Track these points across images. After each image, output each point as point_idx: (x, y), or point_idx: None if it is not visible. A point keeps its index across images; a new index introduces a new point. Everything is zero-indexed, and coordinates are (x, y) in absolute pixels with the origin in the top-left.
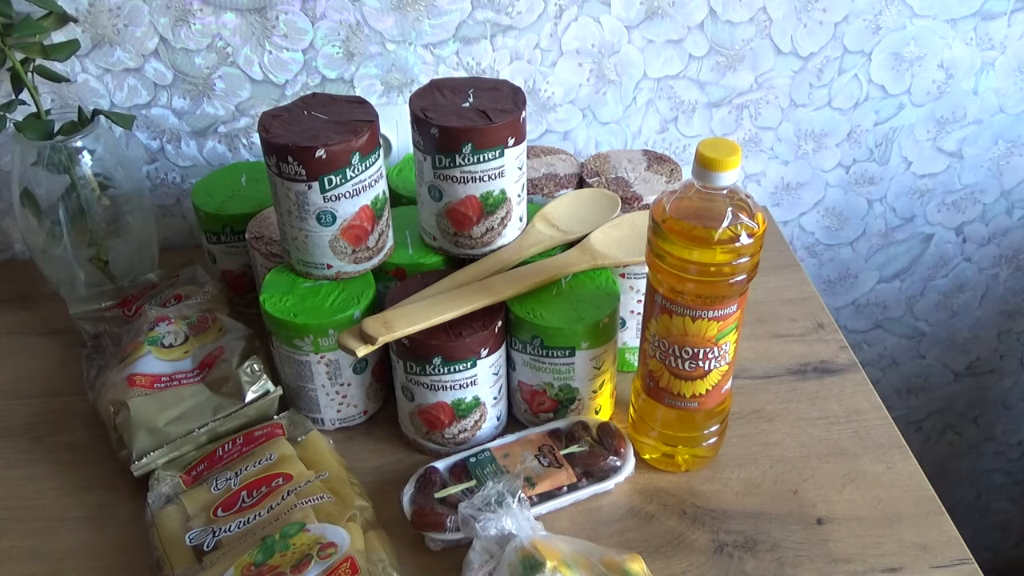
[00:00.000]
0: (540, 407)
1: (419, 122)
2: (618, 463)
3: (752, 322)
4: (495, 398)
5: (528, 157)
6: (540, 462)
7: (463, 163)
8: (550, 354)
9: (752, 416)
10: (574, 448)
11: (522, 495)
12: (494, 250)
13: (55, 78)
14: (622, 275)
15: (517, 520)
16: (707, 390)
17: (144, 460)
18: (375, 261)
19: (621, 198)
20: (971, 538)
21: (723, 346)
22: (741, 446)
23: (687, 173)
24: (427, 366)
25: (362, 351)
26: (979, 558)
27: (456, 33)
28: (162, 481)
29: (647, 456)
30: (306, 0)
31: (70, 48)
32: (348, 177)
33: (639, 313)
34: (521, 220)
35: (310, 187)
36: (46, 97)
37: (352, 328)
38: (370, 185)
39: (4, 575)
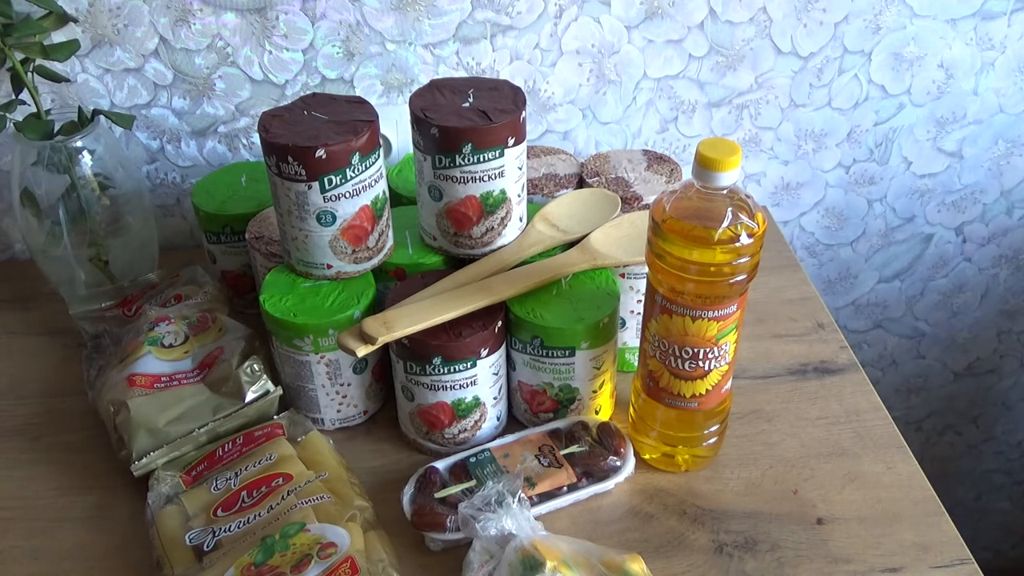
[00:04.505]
0: (540, 407)
1: (419, 122)
2: (618, 463)
3: (752, 322)
4: (495, 398)
5: (528, 157)
6: (540, 462)
7: (463, 163)
8: (550, 354)
9: (752, 416)
10: (574, 448)
11: (522, 495)
12: (494, 250)
13: (55, 78)
14: (622, 275)
15: (517, 520)
16: (707, 390)
17: (144, 460)
18: (375, 261)
19: (621, 198)
20: (971, 538)
21: (723, 346)
22: (741, 446)
23: (687, 173)
24: (427, 366)
25: (362, 351)
26: (979, 558)
27: (456, 33)
28: (162, 481)
29: (647, 456)
30: (306, 0)
31: (70, 48)
32: (348, 177)
33: (639, 313)
34: (521, 220)
35: (310, 187)
36: (46, 97)
37: (352, 328)
38: (370, 185)
39: (4, 575)
